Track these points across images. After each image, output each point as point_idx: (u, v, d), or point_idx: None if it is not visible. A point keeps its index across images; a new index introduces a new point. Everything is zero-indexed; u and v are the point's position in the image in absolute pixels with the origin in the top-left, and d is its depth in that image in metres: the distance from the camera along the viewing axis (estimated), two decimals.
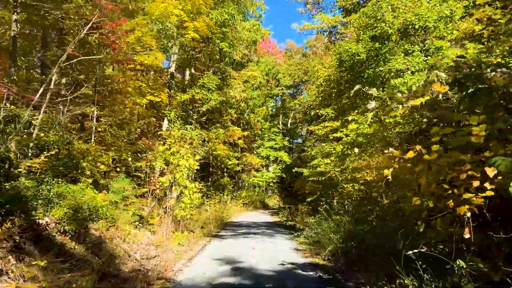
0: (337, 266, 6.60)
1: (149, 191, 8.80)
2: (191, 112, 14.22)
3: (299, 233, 9.99)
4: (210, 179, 24.70)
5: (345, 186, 12.43)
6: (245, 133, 19.10)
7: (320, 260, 7.25)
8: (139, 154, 9.65)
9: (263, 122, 31.44)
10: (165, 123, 11.81)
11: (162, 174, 9.52)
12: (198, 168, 9.83)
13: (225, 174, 26.74)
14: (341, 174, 12.93)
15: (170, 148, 9.13)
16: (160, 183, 8.68)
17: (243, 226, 13.50)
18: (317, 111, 15.38)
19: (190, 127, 12.26)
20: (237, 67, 21.67)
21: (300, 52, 36.29)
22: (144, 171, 9.05)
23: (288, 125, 37.96)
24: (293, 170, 27.44)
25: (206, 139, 15.47)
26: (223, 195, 25.08)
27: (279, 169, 33.58)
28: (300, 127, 39.51)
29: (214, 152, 16.23)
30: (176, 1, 10.93)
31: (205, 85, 12.70)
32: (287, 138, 34.83)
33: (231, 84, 15.52)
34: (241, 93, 15.58)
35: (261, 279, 5.53)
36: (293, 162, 30.17)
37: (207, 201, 18.01)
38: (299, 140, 44.79)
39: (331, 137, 14.50)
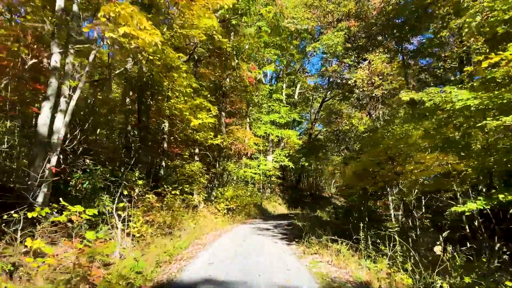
0: None
1: None
2: None
3: None
4: (161, 165, 12.98)
5: None
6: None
7: None
8: None
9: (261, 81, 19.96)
10: None
11: None
12: None
13: (197, 158, 15.09)
14: None
15: None
16: None
17: None
18: None
19: None
20: None
21: None
22: None
23: (296, 96, 26.53)
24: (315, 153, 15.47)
25: None
26: (193, 194, 13.57)
27: (285, 155, 22.06)
28: (312, 100, 28.08)
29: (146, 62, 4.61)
30: None
31: None
32: (297, 109, 23.29)
33: None
34: None
35: None
36: (307, 146, 18.82)
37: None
38: (305, 124, 33.57)
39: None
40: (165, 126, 13.28)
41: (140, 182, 7.03)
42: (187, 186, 10.98)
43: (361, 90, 14.16)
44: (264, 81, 24.73)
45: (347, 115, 14.22)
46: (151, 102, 9.85)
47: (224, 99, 16.50)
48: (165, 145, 13.20)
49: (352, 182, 8.88)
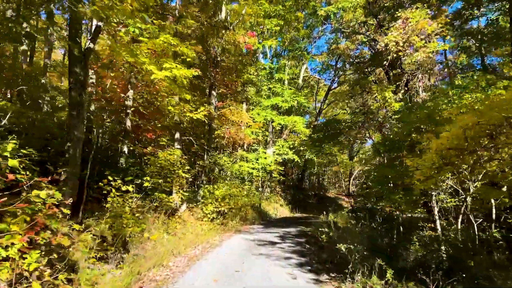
0: None
1: None
2: None
3: None
4: (123, 151, 9.22)
5: None
6: None
7: None
8: None
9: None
10: None
11: None
12: None
13: (178, 146, 11.29)
14: None
15: None
16: None
17: None
18: None
19: None
20: None
21: None
22: None
23: (300, 80, 22.83)
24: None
25: None
26: (171, 193, 9.87)
27: (289, 147, 18.37)
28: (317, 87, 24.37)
29: None
30: None
31: None
32: (304, 91, 19.60)
33: None
34: None
35: None
36: (322, 129, 15.05)
37: None
38: (307, 118, 29.89)
39: None
40: (128, 97, 9.53)
41: (13, 162, 3.28)
42: (148, 179, 7.22)
43: (394, 55, 10.56)
44: (263, 61, 21.11)
45: (378, 88, 10.61)
46: (92, 45, 6.12)
47: (214, 70, 12.77)
48: (128, 123, 9.45)
49: (436, 168, 5.18)
